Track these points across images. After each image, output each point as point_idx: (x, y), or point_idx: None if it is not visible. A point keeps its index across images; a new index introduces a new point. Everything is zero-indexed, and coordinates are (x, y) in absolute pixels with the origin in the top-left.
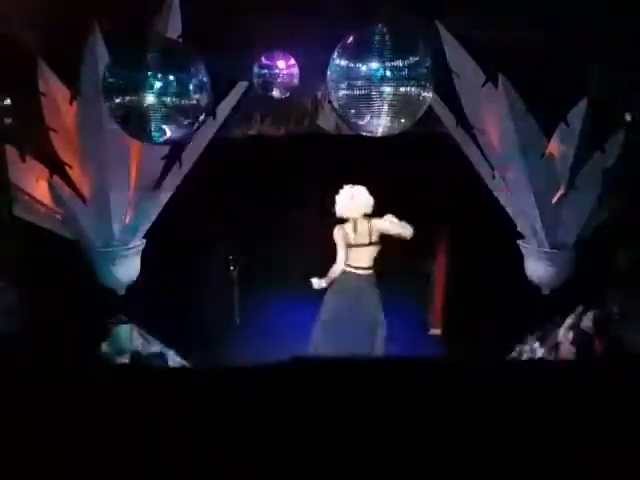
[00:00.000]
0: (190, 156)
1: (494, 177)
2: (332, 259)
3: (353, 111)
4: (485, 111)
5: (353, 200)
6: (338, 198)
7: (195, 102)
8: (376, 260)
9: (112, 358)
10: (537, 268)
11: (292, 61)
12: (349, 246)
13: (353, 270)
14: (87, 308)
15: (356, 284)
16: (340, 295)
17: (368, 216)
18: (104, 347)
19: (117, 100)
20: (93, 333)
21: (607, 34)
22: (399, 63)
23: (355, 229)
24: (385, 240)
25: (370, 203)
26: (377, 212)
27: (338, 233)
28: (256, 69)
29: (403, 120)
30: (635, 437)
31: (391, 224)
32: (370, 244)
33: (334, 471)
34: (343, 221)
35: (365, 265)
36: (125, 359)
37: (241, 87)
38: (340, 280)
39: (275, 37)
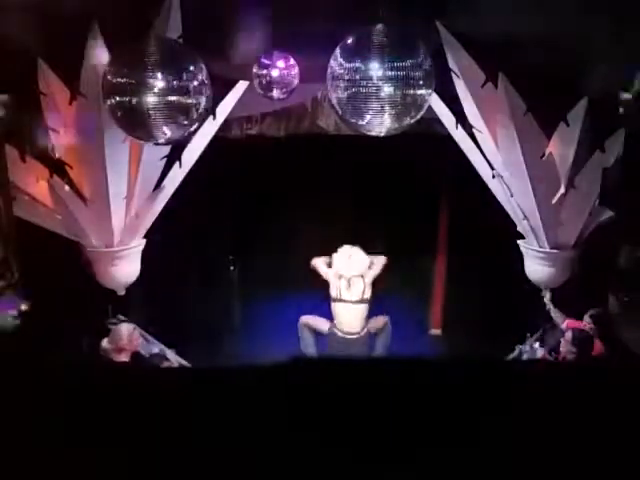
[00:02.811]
0: (190, 156)
1: (494, 177)
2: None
3: (353, 111)
4: (485, 111)
5: (350, 259)
6: (336, 256)
7: (195, 102)
8: (367, 321)
9: (112, 356)
10: (537, 268)
11: (292, 61)
12: (340, 301)
13: (343, 335)
14: (87, 308)
15: (345, 352)
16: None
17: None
18: (104, 343)
19: (117, 100)
20: (93, 333)
21: (607, 34)
22: (399, 63)
23: (349, 286)
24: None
25: (366, 264)
26: (376, 213)
27: (325, 271)
28: (256, 69)
29: (403, 120)
30: (635, 438)
31: (375, 265)
32: (362, 301)
33: (333, 471)
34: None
35: (356, 330)
36: (125, 357)
37: (241, 87)
38: (331, 344)
39: (275, 37)
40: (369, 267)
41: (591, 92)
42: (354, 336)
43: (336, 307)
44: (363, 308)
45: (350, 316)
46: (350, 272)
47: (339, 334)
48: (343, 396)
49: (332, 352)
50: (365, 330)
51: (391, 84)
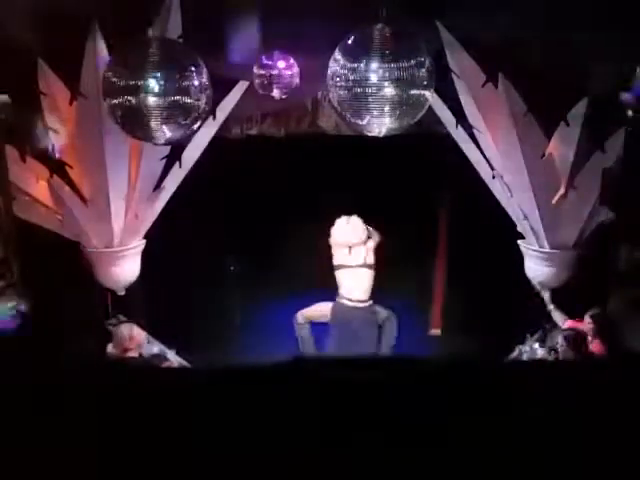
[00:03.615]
0: (190, 156)
1: (494, 177)
2: (330, 259)
3: (353, 111)
4: (485, 111)
5: (349, 225)
6: (334, 228)
7: (195, 102)
8: (373, 290)
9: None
10: (537, 268)
11: (292, 61)
12: (343, 267)
13: (349, 302)
14: (87, 308)
15: (353, 321)
16: (339, 331)
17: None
18: (109, 349)
19: (117, 100)
20: (93, 333)
21: (607, 34)
22: (399, 63)
23: (350, 253)
24: (380, 264)
25: (365, 232)
26: (375, 213)
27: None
28: (256, 69)
29: (403, 120)
30: (635, 437)
31: (373, 235)
32: (365, 265)
33: (334, 471)
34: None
35: (362, 297)
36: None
37: (241, 87)
38: (337, 316)
39: (275, 37)
40: (368, 237)
41: (591, 92)
42: (360, 304)
43: (340, 274)
44: (367, 273)
45: (355, 281)
46: (349, 240)
47: (345, 302)
48: (343, 396)
49: (337, 325)
50: (371, 301)
51: (391, 84)
